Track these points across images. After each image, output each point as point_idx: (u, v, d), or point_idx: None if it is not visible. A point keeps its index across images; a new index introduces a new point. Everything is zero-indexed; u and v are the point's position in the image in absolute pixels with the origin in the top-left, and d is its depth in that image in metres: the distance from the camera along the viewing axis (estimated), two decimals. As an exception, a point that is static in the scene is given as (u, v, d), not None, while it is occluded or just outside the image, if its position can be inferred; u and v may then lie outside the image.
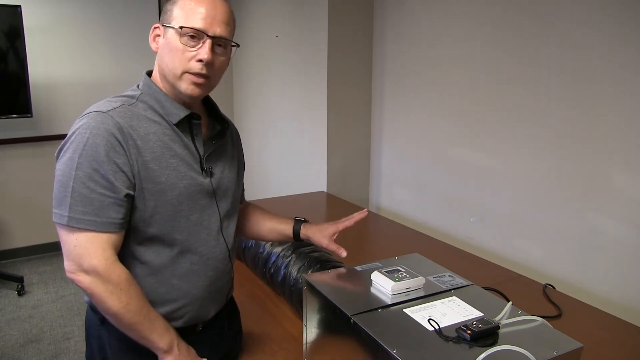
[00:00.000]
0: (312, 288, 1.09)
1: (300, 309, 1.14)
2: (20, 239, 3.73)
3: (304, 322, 1.11)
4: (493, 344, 0.90)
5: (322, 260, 1.46)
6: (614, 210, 1.81)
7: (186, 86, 1.03)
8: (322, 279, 1.14)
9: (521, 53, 2.07)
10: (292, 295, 1.43)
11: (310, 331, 1.12)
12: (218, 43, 1.03)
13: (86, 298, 1.09)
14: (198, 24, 1.00)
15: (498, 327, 0.94)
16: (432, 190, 2.64)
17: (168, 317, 1.06)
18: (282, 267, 1.50)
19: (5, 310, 2.98)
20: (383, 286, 1.07)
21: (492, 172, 2.27)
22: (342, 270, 1.22)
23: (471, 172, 2.38)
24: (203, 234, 1.09)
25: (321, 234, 1.26)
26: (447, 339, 0.91)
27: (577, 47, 1.86)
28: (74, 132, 0.98)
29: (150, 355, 1.04)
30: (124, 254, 1.02)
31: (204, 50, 1.01)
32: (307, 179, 3.21)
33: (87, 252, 0.95)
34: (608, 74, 1.78)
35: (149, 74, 1.11)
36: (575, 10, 1.86)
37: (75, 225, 0.94)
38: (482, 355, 0.84)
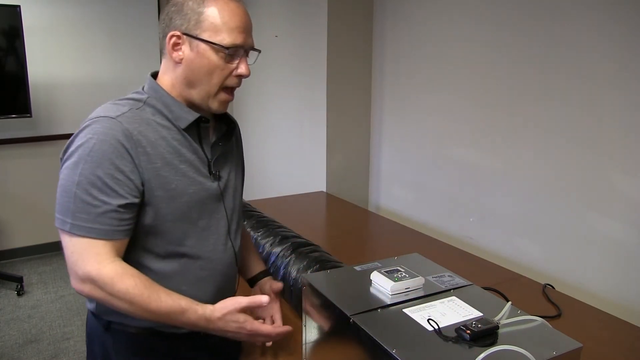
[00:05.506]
0: (311, 288, 1.09)
1: (300, 309, 1.14)
2: (20, 239, 3.73)
3: (304, 322, 1.11)
4: (492, 344, 0.90)
5: (322, 260, 1.45)
6: (613, 211, 1.81)
7: (218, 105, 1.02)
8: (322, 278, 1.14)
9: (521, 54, 2.07)
10: (292, 295, 1.43)
11: (310, 331, 1.12)
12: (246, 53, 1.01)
13: (89, 305, 1.07)
14: (239, 39, 0.96)
15: (497, 327, 0.94)
16: (432, 190, 2.64)
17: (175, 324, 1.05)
18: (282, 267, 1.50)
19: (4, 311, 2.98)
20: (382, 286, 1.07)
21: (492, 172, 2.27)
22: (341, 270, 1.21)
23: (471, 172, 2.38)
24: (212, 239, 1.08)
25: (268, 286, 1.25)
26: (446, 339, 0.91)
27: (577, 49, 1.86)
28: (79, 136, 0.95)
29: (159, 358, 1.03)
30: (133, 263, 0.99)
31: (243, 65, 0.98)
32: (307, 179, 3.21)
33: (82, 258, 0.92)
34: (608, 74, 1.78)
35: (154, 75, 1.07)
36: (576, 12, 1.86)
37: (76, 232, 0.92)
38: (482, 355, 0.84)
